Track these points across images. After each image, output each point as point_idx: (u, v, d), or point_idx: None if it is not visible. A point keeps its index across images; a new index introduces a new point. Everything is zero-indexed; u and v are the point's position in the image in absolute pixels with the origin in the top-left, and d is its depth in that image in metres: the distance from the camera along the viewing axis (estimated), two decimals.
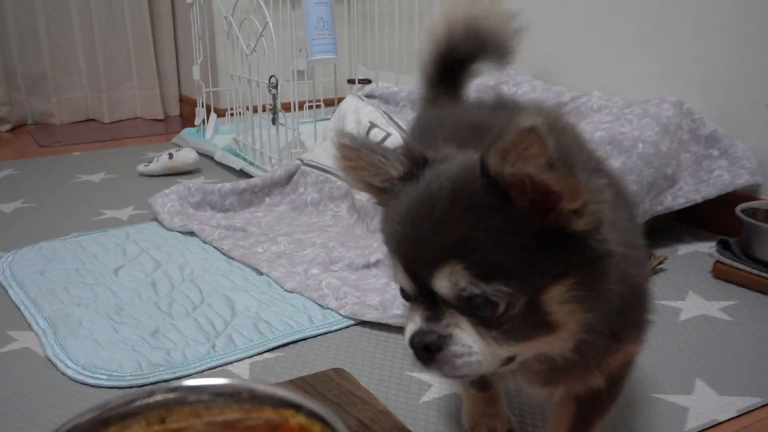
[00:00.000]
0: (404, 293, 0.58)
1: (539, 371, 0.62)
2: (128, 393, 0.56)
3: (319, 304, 1.24)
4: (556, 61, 1.98)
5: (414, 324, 0.55)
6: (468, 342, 0.52)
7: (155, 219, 1.70)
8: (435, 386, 1.00)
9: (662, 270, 1.38)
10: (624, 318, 0.64)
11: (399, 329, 1.14)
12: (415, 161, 0.56)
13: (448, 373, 0.54)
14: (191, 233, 1.60)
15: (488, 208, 0.50)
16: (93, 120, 3.09)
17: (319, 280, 1.30)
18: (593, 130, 1.37)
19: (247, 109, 2.13)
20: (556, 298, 0.52)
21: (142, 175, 2.15)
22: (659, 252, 1.42)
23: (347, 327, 1.18)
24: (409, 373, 1.04)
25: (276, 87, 1.89)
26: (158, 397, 0.56)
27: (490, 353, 0.53)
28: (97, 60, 3.00)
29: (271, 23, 1.87)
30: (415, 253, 0.53)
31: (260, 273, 1.38)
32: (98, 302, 1.26)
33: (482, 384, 0.82)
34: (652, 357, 1.05)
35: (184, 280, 1.35)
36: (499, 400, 0.87)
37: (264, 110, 2.02)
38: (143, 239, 1.57)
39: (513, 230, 0.50)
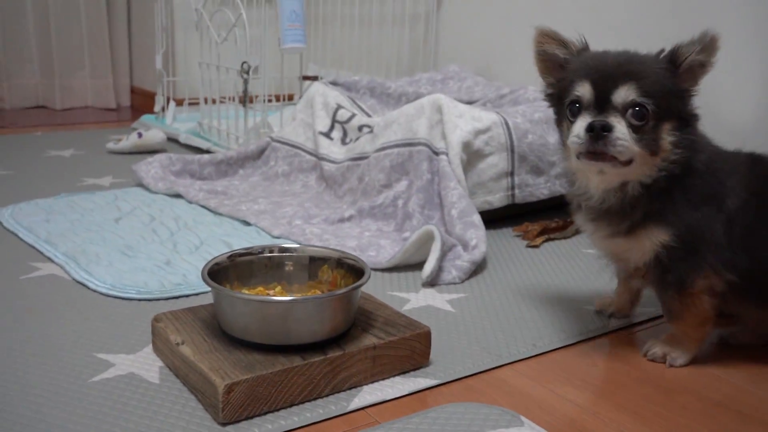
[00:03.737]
0: (577, 103, 0.94)
1: (609, 209, 0.98)
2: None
3: None
4: (497, 60, 2.28)
5: (584, 120, 0.92)
6: (624, 131, 0.91)
7: (139, 185, 1.85)
8: (411, 300, 1.24)
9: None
10: (661, 194, 0.95)
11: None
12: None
13: (610, 148, 0.90)
14: (177, 195, 1.77)
15: (655, 64, 0.93)
16: (44, 107, 3.16)
17: (302, 229, 1.51)
18: (532, 112, 1.66)
19: (214, 101, 2.32)
20: (667, 129, 0.93)
21: (112, 152, 2.28)
22: None
23: None
24: (390, 293, 1.27)
25: (248, 72, 2.09)
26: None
27: (629, 147, 0.91)
28: (51, 47, 3.09)
29: (245, 15, 2.07)
30: (604, 74, 0.92)
31: (248, 224, 1.58)
32: (107, 243, 1.42)
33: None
34: None
35: (180, 229, 1.53)
36: (625, 291, 1.15)
37: (232, 100, 2.22)
38: (132, 199, 1.73)
39: (664, 78, 0.92)
